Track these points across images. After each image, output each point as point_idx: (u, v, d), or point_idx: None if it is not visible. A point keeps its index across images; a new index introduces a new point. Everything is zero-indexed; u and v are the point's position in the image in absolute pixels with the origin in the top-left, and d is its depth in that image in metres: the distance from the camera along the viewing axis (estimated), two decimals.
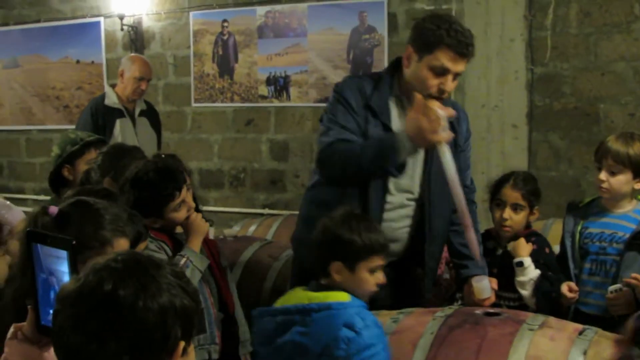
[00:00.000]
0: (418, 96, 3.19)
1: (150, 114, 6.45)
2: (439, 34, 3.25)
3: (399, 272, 3.57)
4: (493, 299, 3.51)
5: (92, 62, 8.28)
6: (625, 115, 6.04)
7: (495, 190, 3.88)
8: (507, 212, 3.79)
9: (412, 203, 3.52)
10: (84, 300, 1.64)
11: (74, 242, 1.89)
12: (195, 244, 3.42)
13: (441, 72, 3.28)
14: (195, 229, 3.44)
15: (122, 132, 6.05)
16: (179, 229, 3.48)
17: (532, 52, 6.28)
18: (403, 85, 3.44)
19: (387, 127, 3.38)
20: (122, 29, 7.88)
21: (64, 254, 1.85)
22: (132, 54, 6.85)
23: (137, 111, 6.25)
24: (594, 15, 6.11)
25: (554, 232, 4.57)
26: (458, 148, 3.56)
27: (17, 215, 3.03)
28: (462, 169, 3.58)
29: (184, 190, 3.38)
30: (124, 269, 1.68)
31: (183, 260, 3.26)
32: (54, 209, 2.33)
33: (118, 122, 6.06)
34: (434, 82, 3.29)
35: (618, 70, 6.05)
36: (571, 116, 6.23)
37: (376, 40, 6.90)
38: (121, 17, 7.80)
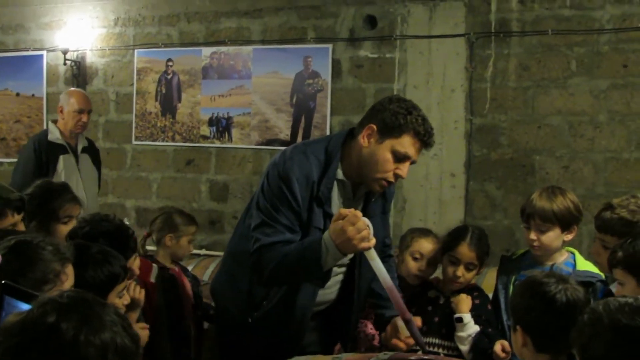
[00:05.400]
0: (343, 211, 3.07)
1: (92, 151, 6.40)
2: (410, 120, 3.17)
3: (327, 318, 3.60)
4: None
5: (33, 95, 8.19)
6: (559, 167, 6.18)
7: (450, 245, 3.86)
8: (461, 271, 3.79)
9: (344, 268, 3.51)
10: (27, 331, 1.64)
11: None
12: None
13: (402, 158, 3.20)
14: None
15: (65, 169, 5.99)
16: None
17: (471, 103, 6.40)
18: (349, 165, 3.32)
19: (329, 216, 3.23)
20: (64, 64, 7.83)
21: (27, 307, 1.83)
22: (69, 89, 6.80)
23: (79, 147, 6.20)
24: (532, 70, 6.26)
25: (488, 280, 4.62)
26: (386, 209, 3.61)
27: None
28: (385, 228, 3.65)
29: None
30: (68, 303, 1.69)
31: None
32: None
33: (61, 159, 6.00)
34: (392, 167, 3.21)
35: (554, 123, 6.20)
36: (507, 167, 6.35)
37: (319, 86, 6.97)
38: (65, 52, 7.75)
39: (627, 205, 3.35)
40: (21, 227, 3.45)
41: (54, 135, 6.05)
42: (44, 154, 5.94)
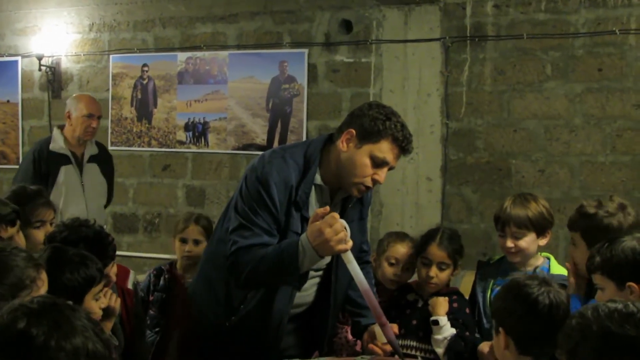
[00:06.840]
0: (320, 210, 3.07)
1: (102, 158, 6.15)
2: (389, 126, 3.19)
3: (305, 321, 3.60)
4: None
5: (8, 101, 8.14)
6: (535, 171, 6.21)
7: (422, 247, 3.88)
8: (434, 271, 3.80)
9: (320, 272, 3.51)
10: None
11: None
12: None
13: (380, 163, 3.21)
14: None
15: (66, 181, 5.76)
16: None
17: (447, 107, 6.42)
18: (327, 170, 3.33)
19: (307, 221, 3.22)
20: (39, 69, 7.78)
21: None
22: (77, 94, 6.58)
23: (86, 156, 5.95)
24: (508, 74, 6.29)
25: (465, 284, 4.63)
26: (363, 215, 3.62)
27: None
28: (362, 234, 3.66)
29: None
30: (39, 309, 1.69)
31: None
32: None
33: (63, 170, 5.76)
34: (370, 172, 3.22)
35: (529, 127, 6.23)
36: (484, 170, 6.38)
37: (296, 90, 6.97)
38: (39, 58, 7.70)
39: (589, 204, 3.41)
40: (19, 238, 3.41)
41: (57, 144, 5.80)
42: (44, 165, 5.69)
